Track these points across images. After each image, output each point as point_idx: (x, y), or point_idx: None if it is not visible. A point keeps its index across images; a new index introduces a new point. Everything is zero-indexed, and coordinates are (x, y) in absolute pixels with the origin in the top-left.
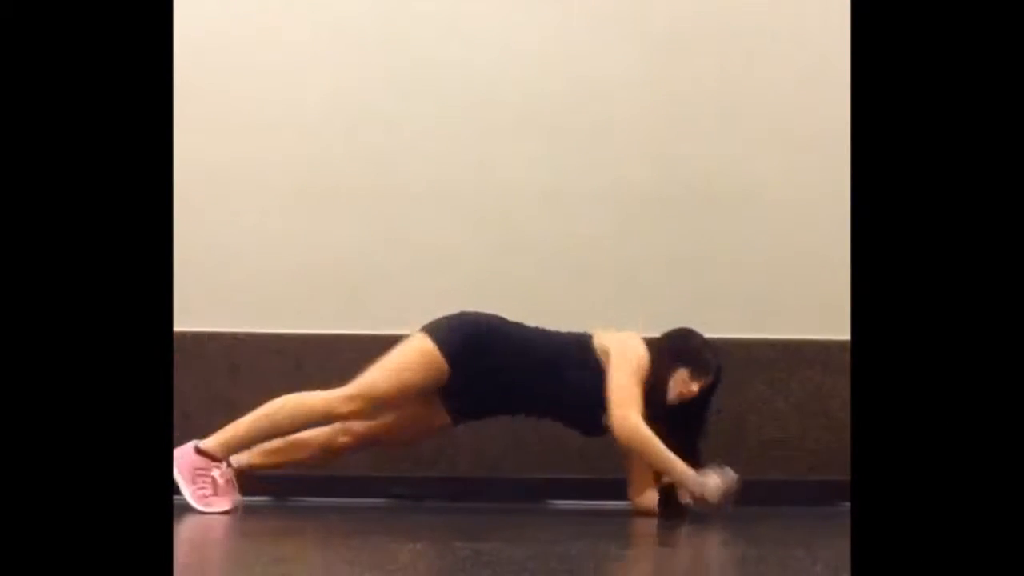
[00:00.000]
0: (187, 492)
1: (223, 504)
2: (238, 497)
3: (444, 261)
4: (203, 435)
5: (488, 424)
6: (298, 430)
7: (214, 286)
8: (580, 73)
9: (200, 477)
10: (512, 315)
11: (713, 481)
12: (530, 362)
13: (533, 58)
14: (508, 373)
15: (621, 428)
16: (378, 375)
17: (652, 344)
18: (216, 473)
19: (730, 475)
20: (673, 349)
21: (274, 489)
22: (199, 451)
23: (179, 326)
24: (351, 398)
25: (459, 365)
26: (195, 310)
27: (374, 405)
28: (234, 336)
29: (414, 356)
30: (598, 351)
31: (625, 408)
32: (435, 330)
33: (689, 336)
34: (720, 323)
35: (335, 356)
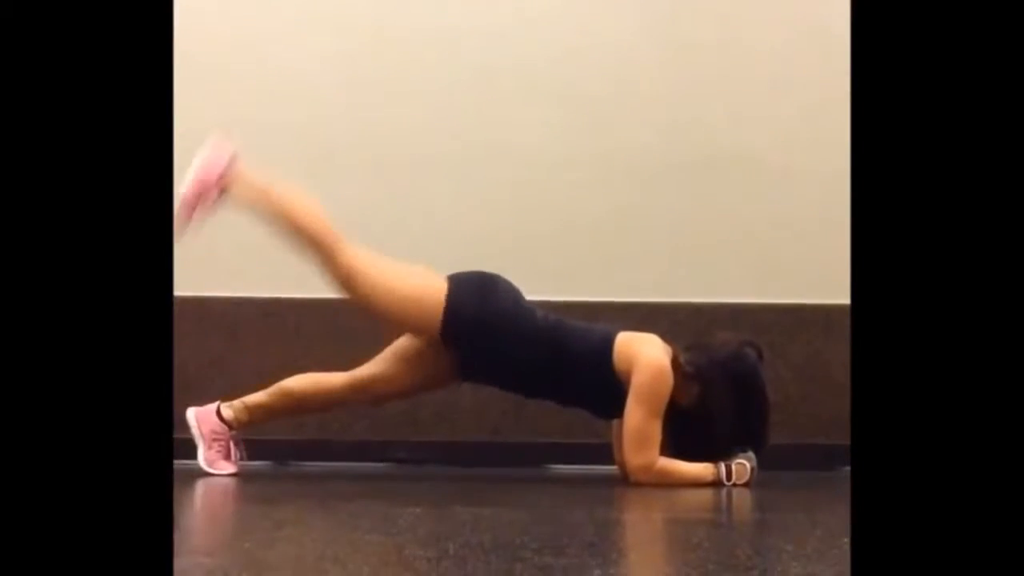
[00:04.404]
0: (201, 453)
1: (229, 468)
2: (242, 461)
3: (445, 227)
4: (202, 399)
5: (489, 388)
6: (316, 411)
7: (214, 251)
8: (581, 39)
9: (216, 441)
10: (515, 281)
11: (740, 469)
12: (543, 364)
13: (535, 23)
14: (518, 368)
15: (643, 477)
16: (399, 368)
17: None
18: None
19: (752, 457)
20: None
21: (274, 454)
22: (221, 418)
23: (179, 291)
24: (373, 395)
25: (462, 342)
26: (195, 275)
27: (391, 397)
28: (233, 301)
29: (426, 355)
30: (617, 361)
31: (644, 456)
32: (455, 293)
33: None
34: (720, 288)
35: (333, 321)
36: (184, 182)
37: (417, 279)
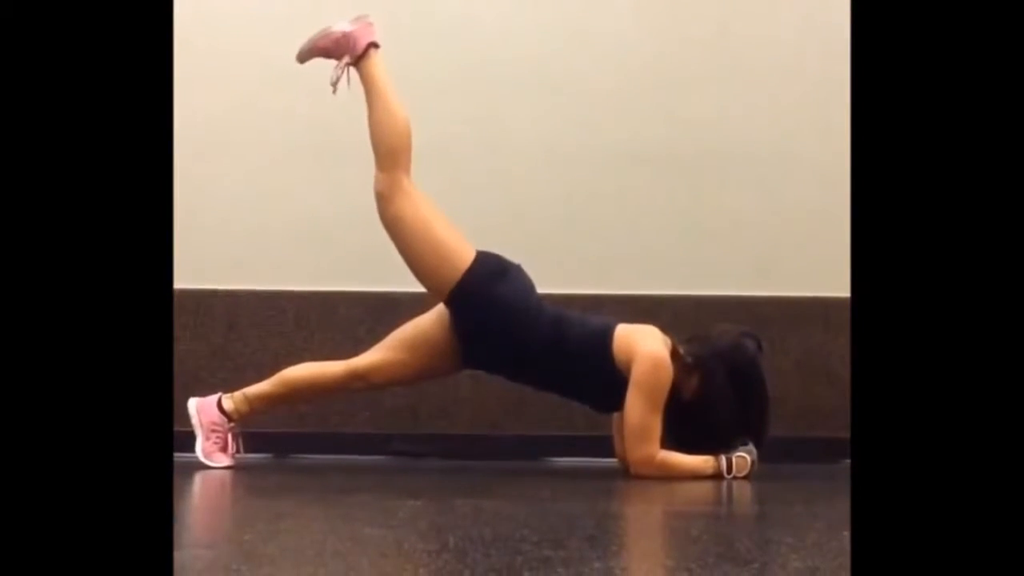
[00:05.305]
0: (199, 444)
1: (225, 460)
2: (238, 455)
3: None
4: (202, 391)
5: (489, 381)
6: (316, 400)
7: (213, 244)
8: (580, 31)
9: (214, 432)
10: None
11: (740, 462)
12: (541, 353)
13: (534, 15)
14: (517, 355)
15: (644, 470)
16: (398, 356)
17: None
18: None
19: (753, 450)
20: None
21: (274, 446)
22: (222, 410)
23: (179, 284)
24: (370, 383)
25: (463, 315)
26: (194, 268)
27: (389, 384)
28: (233, 293)
29: (427, 343)
30: (616, 353)
31: (645, 449)
32: (477, 266)
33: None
34: (720, 281)
35: (332, 313)
36: (334, 28)
37: (455, 235)
